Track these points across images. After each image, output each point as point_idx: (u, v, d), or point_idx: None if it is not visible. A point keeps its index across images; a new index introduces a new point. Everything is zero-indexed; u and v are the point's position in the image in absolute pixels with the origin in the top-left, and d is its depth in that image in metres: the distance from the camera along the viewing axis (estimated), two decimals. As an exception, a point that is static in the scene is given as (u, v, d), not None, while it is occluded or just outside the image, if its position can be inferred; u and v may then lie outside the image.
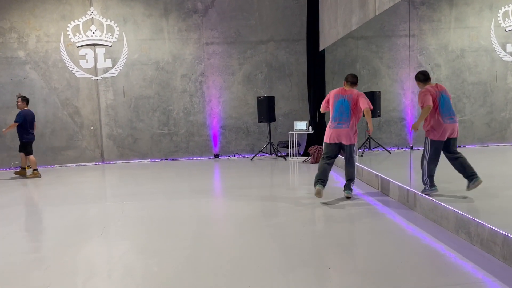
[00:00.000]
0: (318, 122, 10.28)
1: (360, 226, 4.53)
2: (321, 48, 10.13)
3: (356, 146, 6.19)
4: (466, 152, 5.16)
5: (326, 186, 5.63)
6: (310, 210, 5.33)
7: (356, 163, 5.88)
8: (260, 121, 10.22)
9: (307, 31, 10.46)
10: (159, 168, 9.61)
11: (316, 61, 10.29)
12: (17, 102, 8.86)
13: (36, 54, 10.17)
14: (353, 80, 5.88)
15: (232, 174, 8.51)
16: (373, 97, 9.71)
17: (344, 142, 5.67)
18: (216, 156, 10.81)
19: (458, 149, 5.12)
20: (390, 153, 9.24)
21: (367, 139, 9.66)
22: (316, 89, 10.30)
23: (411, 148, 9.47)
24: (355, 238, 4.13)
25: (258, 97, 10.21)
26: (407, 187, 5.24)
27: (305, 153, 10.11)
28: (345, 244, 4.00)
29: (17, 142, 10.17)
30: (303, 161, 9.62)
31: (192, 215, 5.23)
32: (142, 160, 10.67)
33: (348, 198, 5.75)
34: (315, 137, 10.05)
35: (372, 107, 5.61)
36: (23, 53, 10.11)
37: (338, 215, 4.98)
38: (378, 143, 9.67)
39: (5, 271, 3.55)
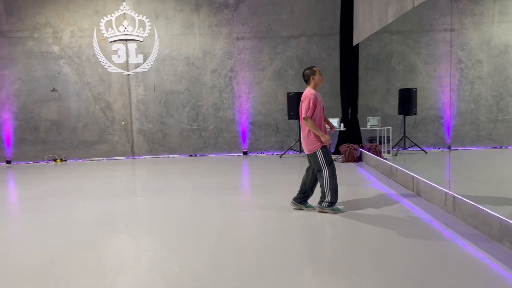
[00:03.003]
0: (350, 119, 9.97)
1: (394, 231, 4.26)
2: (354, 43, 9.79)
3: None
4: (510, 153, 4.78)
5: (357, 186, 5.36)
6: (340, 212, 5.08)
7: (327, 180, 4.80)
8: (290, 117, 10.00)
9: (340, 25, 10.13)
10: (188, 163, 9.57)
11: (349, 56, 9.96)
12: None
13: (70, 49, 10.34)
14: (303, 78, 5.02)
15: (260, 171, 8.34)
16: (409, 94, 9.30)
17: (304, 151, 5.03)
18: (245, 153, 10.68)
19: (501, 150, 4.74)
20: (426, 152, 8.82)
21: (401, 138, 9.27)
22: (349, 86, 9.98)
23: (449, 148, 9.01)
24: (388, 244, 3.87)
25: (288, 93, 9.99)
26: (446, 190, 4.91)
27: (336, 151, 9.81)
28: (377, 249, 3.75)
29: (52, 136, 10.42)
30: (334, 160, 9.32)
31: (218, 212, 5.10)
32: (171, 155, 10.68)
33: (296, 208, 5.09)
34: (347, 135, 9.74)
35: (306, 115, 4.70)
36: (57, 48, 10.30)
37: (370, 218, 4.72)
38: (414, 142, 9.25)
39: (29, 264, 3.53)
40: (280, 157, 10.05)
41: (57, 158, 10.36)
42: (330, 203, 4.87)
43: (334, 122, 9.62)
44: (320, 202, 4.92)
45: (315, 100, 4.74)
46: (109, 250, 3.88)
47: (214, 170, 8.47)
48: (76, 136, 10.50)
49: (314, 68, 4.91)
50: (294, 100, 9.81)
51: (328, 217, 4.74)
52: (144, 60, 10.52)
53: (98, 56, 10.39)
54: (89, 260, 3.61)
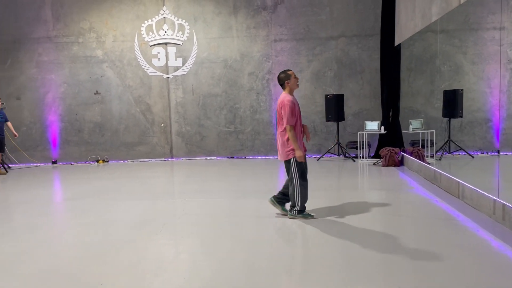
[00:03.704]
0: (391, 122, 9.63)
1: (438, 239, 4.02)
2: (396, 43, 9.47)
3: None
4: None
5: (398, 192, 5.14)
6: (379, 218, 4.89)
7: (297, 189, 4.70)
8: (328, 120, 9.80)
9: (381, 25, 9.83)
10: (225, 166, 9.59)
11: (390, 57, 9.64)
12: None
13: (113, 53, 10.65)
14: (278, 82, 4.83)
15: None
16: (454, 96, 8.89)
17: (278, 158, 4.87)
18: (282, 156, 10.56)
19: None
20: (472, 157, 8.39)
21: (446, 142, 8.86)
22: (390, 87, 9.65)
23: (498, 152, 8.51)
24: (431, 253, 3.65)
25: (326, 95, 9.80)
26: (494, 197, 4.60)
27: (376, 155, 9.51)
28: (419, 259, 3.54)
29: (95, 137, 10.77)
30: (374, 164, 9.04)
31: (253, 216, 5.03)
32: (208, 158, 10.75)
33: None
34: (387, 139, 9.42)
35: (291, 123, 4.53)
36: (101, 52, 10.64)
37: (412, 225, 4.50)
38: (459, 146, 8.82)
39: (65, 264, 3.60)
40: (317, 160, 9.86)
41: (99, 159, 10.69)
42: (300, 211, 4.78)
43: (374, 125, 9.35)
44: (290, 210, 4.84)
45: (293, 107, 4.62)
46: (145, 252, 3.91)
47: (251, 173, 8.43)
48: (117, 138, 10.79)
49: (289, 72, 4.77)
50: (332, 102, 9.62)
51: (367, 224, 4.56)
52: (183, 63, 10.66)
53: (139, 60, 10.64)
54: (125, 261, 3.64)
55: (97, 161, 10.66)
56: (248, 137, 10.68)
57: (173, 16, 10.56)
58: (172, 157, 10.86)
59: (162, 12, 10.56)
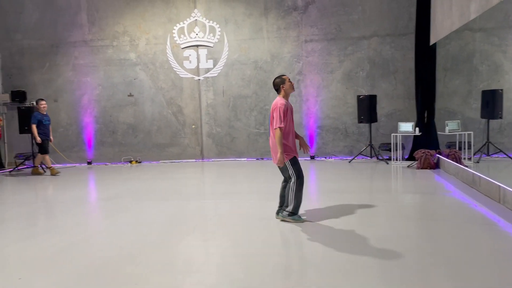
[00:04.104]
0: (426, 123, 9.35)
1: (477, 245, 3.85)
2: (431, 42, 9.19)
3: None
4: None
5: (434, 195, 4.96)
6: (414, 222, 4.74)
7: (293, 191, 4.70)
8: (360, 121, 9.62)
9: (416, 24, 9.58)
10: (255, 167, 9.57)
11: (425, 56, 9.37)
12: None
13: (146, 56, 10.85)
14: (273, 87, 4.85)
15: (328, 176, 8.10)
16: (494, 96, 8.55)
17: (273, 161, 4.81)
18: (312, 157, 10.46)
19: None
20: (514, 160, 8.03)
21: (484, 144, 8.53)
22: (425, 87, 9.38)
23: (541, 155, 8.11)
24: (470, 260, 3.49)
25: (358, 96, 9.63)
26: (540, 203, 4.36)
27: (411, 157, 9.26)
28: (458, 265, 3.39)
29: (128, 138, 11.00)
30: (408, 166, 8.80)
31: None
32: (238, 159, 10.77)
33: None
34: (422, 140, 9.16)
35: (279, 125, 4.49)
36: (134, 55, 10.86)
37: (449, 230, 4.33)
38: (499, 149, 8.48)
39: (101, 263, 3.66)
40: (349, 162, 9.70)
41: (132, 159, 10.91)
42: (291, 213, 4.74)
43: (408, 126, 9.10)
44: (281, 211, 4.82)
45: (285, 111, 4.61)
46: (177, 252, 3.93)
47: (280, 174, 8.36)
48: (150, 139, 10.97)
49: (284, 77, 4.81)
50: (365, 103, 9.44)
51: (402, 228, 4.42)
52: (214, 65, 10.74)
53: (171, 62, 10.80)
54: (159, 261, 3.67)
55: (130, 161, 10.88)
56: (278, 138, 10.62)
57: (204, 18, 10.66)
58: (202, 158, 10.95)
59: (193, 14, 10.67)
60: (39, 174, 9.47)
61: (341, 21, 10.20)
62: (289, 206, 4.75)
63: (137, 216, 5.36)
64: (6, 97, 10.85)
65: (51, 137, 9.52)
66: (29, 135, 10.09)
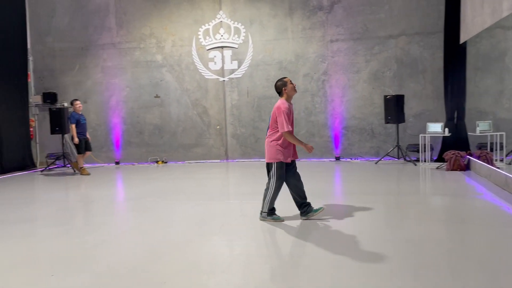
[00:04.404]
0: (456, 124, 9.11)
1: (510, 249, 3.72)
2: (462, 41, 8.94)
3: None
4: None
5: (465, 198, 4.82)
6: (444, 225, 4.62)
7: (271, 192, 4.83)
8: (387, 122, 9.46)
9: (445, 22, 9.35)
10: (279, 168, 9.53)
11: (455, 55, 9.13)
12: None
13: (171, 58, 10.99)
14: (275, 90, 4.91)
15: (354, 178, 7.99)
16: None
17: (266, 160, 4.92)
18: (337, 158, 10.35)
19: None
20: (549, 162, 7.72)
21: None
22: (454, 87, 9.14)
23: None
24: (504, 264, 3.37)
25: (385, 96, 9.47)
26: None
27: (440, 159, 9.03)
28: (491, 269, 3.28)
29: (154, 139, 11.17)
30: (437, 168, 8.59)
31: (308, 219, 4.94)
32: (263, 160, 10.71)
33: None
34: (452, 141, 8.92)
35: (287, 129, 4.61)
36: (160, 57, 11.02)
37: (481, 233, 4.19)
38: (533, 150, 8.17)
39: (130, 261, 3.72)
40: (376, 163, 9.55)
41: (158, 160, 11.06)
42: (269, 213, 4.86)
43: (437, 126, 8.89)
44: (260, 213, 4.95)
45: (289, 113, 4.72)
46: (204, 252, 3.95)
47: (306, 175, 8.27)
48: (175, 140, 11.10)
49: (285, 79, 4.85)
50: (392, 103, 9.28)
51: (432, 231, 4.31)
52: (239, 66, 10.77)
53: (196, 64, 10.90)
54: (186, 260, 3.70)
55: (157, 162, 11.04)
56: (303, 139, 10.56)
57: (229, 19, 10.71)
58: (227, 159, 11.00)
59: (218, 16, 10.74)
60: (86, 174, 9.57)
61: (368, 20, 10.06)
62: (264, 209, 4.88)
63: (163, 215, 5.43)
64: (38, 99, 11.20)
65: (88, 136, 9.71)
66: (60, 135, 10.41)
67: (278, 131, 4.72)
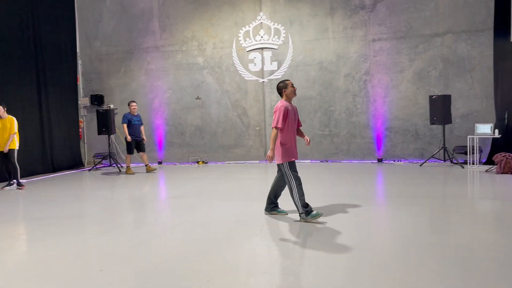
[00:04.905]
0: (507, 125, 8.68)
1: None
2: (513, 37, 8.51)
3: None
4: None
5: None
6: (495, 231, 4.41)
7: (295, 191, 4.93)
8: (432, 123, 9.15)
9: (494, 19, 8.97)
10: (319, 169, 9.46)
11: (505, 53, 8.72)
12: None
13: (212, 60, 11.15)
14: (277, 91, 5.19)
15: (398, 180, 7.78)
16: None
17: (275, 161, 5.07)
18: (380, 160, 10.12)
19: None
20: None
21: None
22: (505, 87, 8.73)
23: None
24: None
25: (430, 96, 9.16)
26: None
27: (489, 161, 8.63)
28: (551, 281, 3.09)
29: (195, 140, 11.37)
30: (486, 171, 8.21)
31: (351, 222, 4.86)
32: (302, 161, 10.70)
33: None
34: (502, 143, 8.52)
35: (275, 125, 4.84)
36: (201, 59, 11.21)
37: (538, 241, 3.96)
38: None
39: (174, 259, 3.81)
40: (420, 165, 9.25)
41: (199, 160, 11.25)
42: (306, 213, 4.86)
43: (487, 127, 8.50)
44: (300, 215, 4.93)
45: (286, 113, 4.89)
46: (245, 252, 3.98)
47: (347, 177, 8.19)
48: (216, 140, 11.26)
49: (287, 82, 5.11)
50: (437, 103, 8.97)
51: (479, 236, 4.12)
52: (278, 67, 10.78)
53: (236, 65, 11.00)
54: (229, 259, 3.74)
55: (197, 162, 11.24)
56: (344, 140, 10.42)
57: (269, 21, 10.74)
58: (266, 160, 11.00)
59: (259, 17, 10.80)
60: (153, 170, 9.86)
61: (412, 18, 9.78)
62: (299, 210, 4.90)
63: (204, 214, 5.52)
64: (86, 101, 11.70)
65: (144, 137, 9.99)
66: (106, 136, 10.84)
67: (279, 133, 4.91)
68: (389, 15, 9.93)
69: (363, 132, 10.25)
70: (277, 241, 4.29)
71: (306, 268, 3.48)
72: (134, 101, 9.94)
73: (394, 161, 10.02)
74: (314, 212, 4.86)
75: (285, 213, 5.24)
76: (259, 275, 3.39)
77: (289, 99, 5.09)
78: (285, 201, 5.40)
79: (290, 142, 4.97)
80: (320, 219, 4.88)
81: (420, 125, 9.82)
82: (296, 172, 5.00)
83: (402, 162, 9.91)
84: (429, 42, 9.71)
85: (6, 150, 7.82)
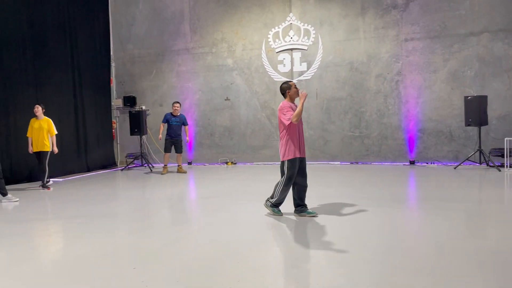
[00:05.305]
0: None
1: None
2: (556, 35, 8.13)
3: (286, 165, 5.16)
4: None
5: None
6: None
7: (281, 187, 5.22)
8: (467, 124, 8.86)
9: (535, 16, 8.57)
10: (349, 171, 9.34)
11: (547, 51, 8.32)
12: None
13: (242, 61, 11.21)
14: (280, 91, 5.33)
15: (431, 183, 7.58)
16: None
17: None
18: (412, 162, 9.89)
19: None
20: None
21: None
22: (546, 86, 8.33)
23: None
24: None
25: (466, 97, 8.88)
26: None
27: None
28: None
29: (224, 141, 11.46)
30: (525, 174, 7.88)
31: (383, 225, 4.77)
32: (331, 162, 10.60)
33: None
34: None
35: (288, 121, 5.01)
36: (231, 61, 11.29)
37: None
38: None
39: (203, 259, 3.85)
40: (454, 168, 8.99)
41: (228, 161, 11.33)
42: (274, 204, 5.30)
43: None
44: (267, 200, 5.39)
45: (289, 110, 5.09)
46: (274, 253, 3.98)
47: (378, 179, 8.05)
48: (244, 141, 11.30)
49: (290, 83, 5.28)
50: (473, 104, 8.69)
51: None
52: (308, 68, 10.72)
53: (265, 67, 11.02)
54: (258, 260, 3.75)
55: (226, 163, 11.31)
56: (374, 142, 10.25)
57: (299, 21, 10.70)
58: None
59: (288, 18, 10.77)
60: (183, 172, 9.98)
61: (446, 17, 9.52)
62: (274, 198, 5.27)
63: (234, 215, 5.55)
64: (119, 102, 12.00)
65: (187, 137, 10.15)
66: (138, 136, 11.12)
67: (285, 131, 5.12)
68: (422, 14, 9.70)
69: (395, 134, 10.05)
70: (308, 243, 4.26)
71: (336, 271, 3.44)
72: (177, 102, 10.10)
73: (427, 163, 9.78)
74: (276, 209, 5.30)
75: (314, 213, 5.24)
76: (289, 277, 3.39)
77: (292, 100, 5.23)
78: (313, 203, 5.35)
79: (295, 142, 5.11)
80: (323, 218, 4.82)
81: (455, 126, 9.54)
82: (294, 175, 5.15)
83: (436, 164, 9.65)
84: (464, 42, 9.42)
85: (56, 150, 8.09)
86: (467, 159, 9.01)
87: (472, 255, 3.68)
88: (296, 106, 5.14)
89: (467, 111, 8.81)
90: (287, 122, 5.02)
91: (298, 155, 5.10)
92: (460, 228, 4.63)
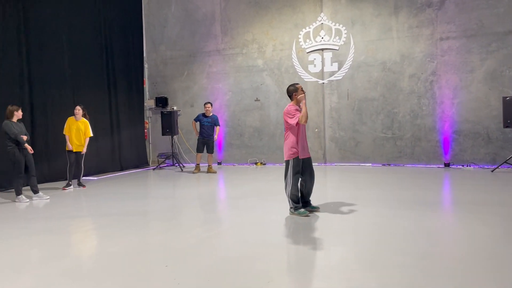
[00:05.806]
0: None
1: None
2: None
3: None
4: None
5: None
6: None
7: (289, 187, 5.32)
8: (506, 126, 8.53)
9: None
10: (381, 173, 9.16)
11: None
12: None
13: (272, 62, 11.21)
14: (287, 94, 5.41)
15: (466, 186, 7.33)
16: None
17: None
18: (447, 165, 9.60)
19: None
20: None
21: None
22: None
23: None
24: None
25: (505, 98, 8.55)
26: None
27: None
28: None
29: (254, 141, 11.49)
30: None
31: (416, 228, 4.66)
32: (363, 164, 10.44)
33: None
34: None
35: (295, 122, 5.13)
36: (261, 61, 11.31)
37: None
38: None
39: (233, 259, 3.87)
40: (492, 171, 8.66)
41: (257, 161, 11.36)
42: (294, 208, 5.30)
43: None
44: (289, 210, 5.41)
45: (295, 113, 5.17)
46: (305, 254, 3.95)
47: (411, 182, 7.86)
48: (274, 142, 11.30)
49: (297, 85, 5.32)
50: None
51: None
52: (339, 68, 10.60)
53: (295, 67, 10.98)
54: (286, 262, 3.74)
55: (256, 163, 11.34)
56: (408, 143, 10.02)
57: (330, 21, 10.60)
58: (325, 162, 10.87)
59: (319, 18, 10.69)
60: (213, 172, 10.05)
61: (484, 15, 9.19)
62: (290, 203, 5.35)
63: (264, 215, 5.55)
64: (152, 103, 12.26)
65: (215, 136, 10.23)
66: (170, 136, 11.34)
67: (289, 132, 5.24)
68: (458, 13, 9.41)
69: (429, 135, 9.79)
70: (336, 246, 4.21)
71: (369, 273, 3.38)
72: (208, 102, 10.23)
73: (462, 166, 9.47)
74: (302, 210, 5.29)
75: (317, 208, 5.52)
76: (320, 279, 3.36)
77: (298, 103, 5.29)
78: (343, 205, 5.28)
79: (299, 144, 5.23)
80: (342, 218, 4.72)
81: (493, 128, 9.20)
82: (299, 173, 5.28)
83: (472, 167, 9.33)
84: (502, 40, 9.07)
85: (84, 151, 8.26)
86: (505, 162, 8.67)
87: (510, 262, 3.54)
88: (300, 109, 5.26)
89: (506, 112, 8.48)
90: (294, 122, 5.13)
91: (301, 155, 5.25)
92: (498, 233, 4.45)
